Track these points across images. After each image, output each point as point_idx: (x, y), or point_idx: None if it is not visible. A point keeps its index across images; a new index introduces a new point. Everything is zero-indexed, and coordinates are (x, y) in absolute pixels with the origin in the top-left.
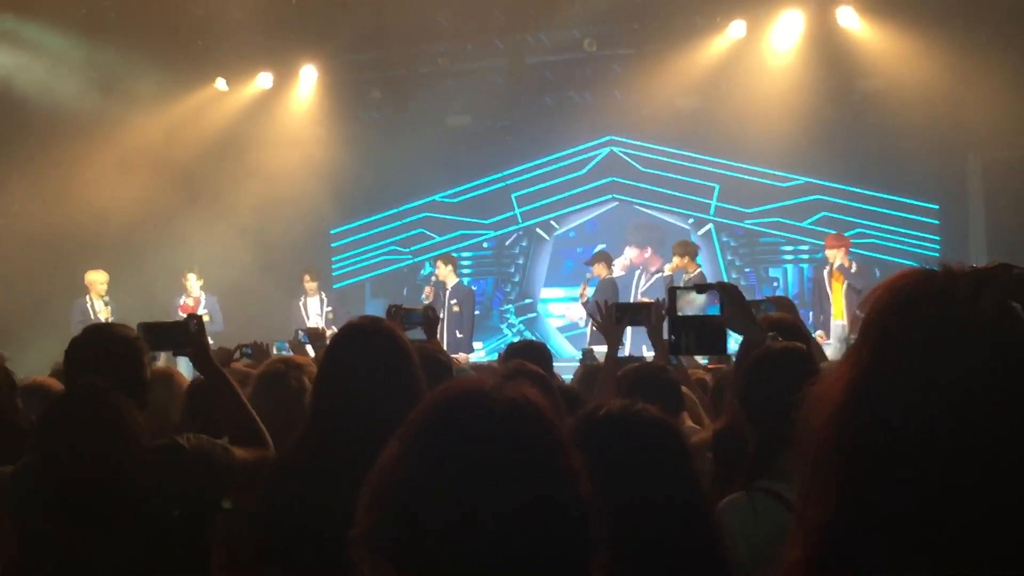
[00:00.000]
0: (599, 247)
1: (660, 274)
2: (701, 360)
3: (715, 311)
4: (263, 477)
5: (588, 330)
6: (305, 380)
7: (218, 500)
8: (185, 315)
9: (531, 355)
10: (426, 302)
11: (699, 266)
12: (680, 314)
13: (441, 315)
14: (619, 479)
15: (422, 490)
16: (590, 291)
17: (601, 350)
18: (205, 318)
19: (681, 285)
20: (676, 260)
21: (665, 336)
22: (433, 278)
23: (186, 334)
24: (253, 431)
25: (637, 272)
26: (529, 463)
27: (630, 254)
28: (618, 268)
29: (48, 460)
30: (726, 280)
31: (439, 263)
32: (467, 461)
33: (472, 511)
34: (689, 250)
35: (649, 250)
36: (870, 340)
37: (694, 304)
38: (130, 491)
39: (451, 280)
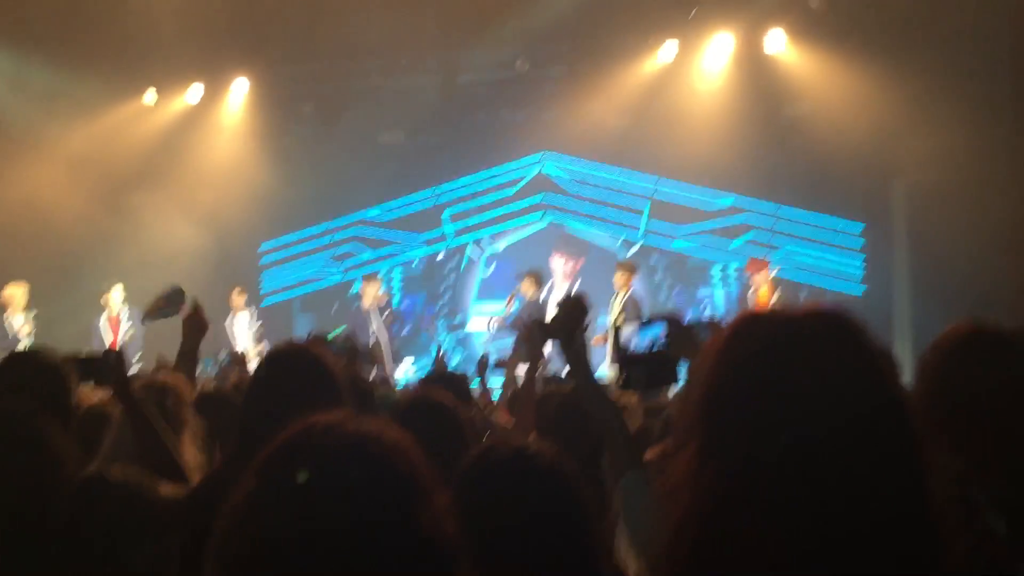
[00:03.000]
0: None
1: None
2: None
3: (652, 334)
4: (184, 506)
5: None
6: (168, 403)
7: (143, 537)
8: (108, 346)
9: (444, 383)
10: None
11: (633, 286)
12: (625, 351)
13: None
14: (505, 527)
15: (261, 540)
16: (515, 305)
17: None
18: (130, 332)
19: (620, 323)
20: (617, 277)
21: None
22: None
23: (105, 368)
24: (172, 466)
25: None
26: (372, 504)
27: (557, 264)
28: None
29: None
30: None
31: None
32: (303, 508)
33: (312, 561)
34: (629, 269)
35: (583, 260)
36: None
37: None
38: (53, 523)
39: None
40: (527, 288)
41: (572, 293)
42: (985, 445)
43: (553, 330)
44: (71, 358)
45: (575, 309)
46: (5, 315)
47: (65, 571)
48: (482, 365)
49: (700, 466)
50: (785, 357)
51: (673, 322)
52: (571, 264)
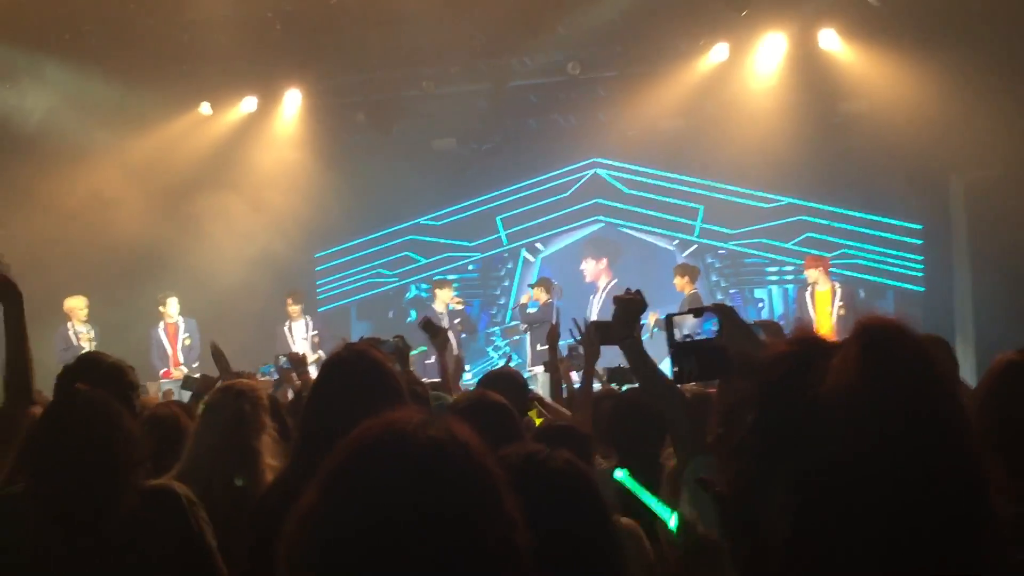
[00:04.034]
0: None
1: (613, 282)
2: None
3: (708, 332)
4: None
5: (528, 349)
6: (246, 408)
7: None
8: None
9: (501, 384)
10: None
11: (696, 289)
12: (679, 340)
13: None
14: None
15: (336, 542)
16: (530, 311)
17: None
18: (186, 342)
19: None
20: (677, 281)
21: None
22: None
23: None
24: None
25: (592, 295)
26: (451, 509)
27: (586, 267)
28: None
29: (42, 463)
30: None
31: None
32: (381, 511)
33: (388, 563)
34: (689, 272)
35: (604, 261)
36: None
37: (690, 327)
38: (119, 520)
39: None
40: (539, 295)
41: (629, 290)
42: None
43: (614, 328)
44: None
45: (633, 304)
46: (67, 325)
47: (120, 568)
48: (553, 336)
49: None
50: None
51: (726, 313)
52: (603, 263)
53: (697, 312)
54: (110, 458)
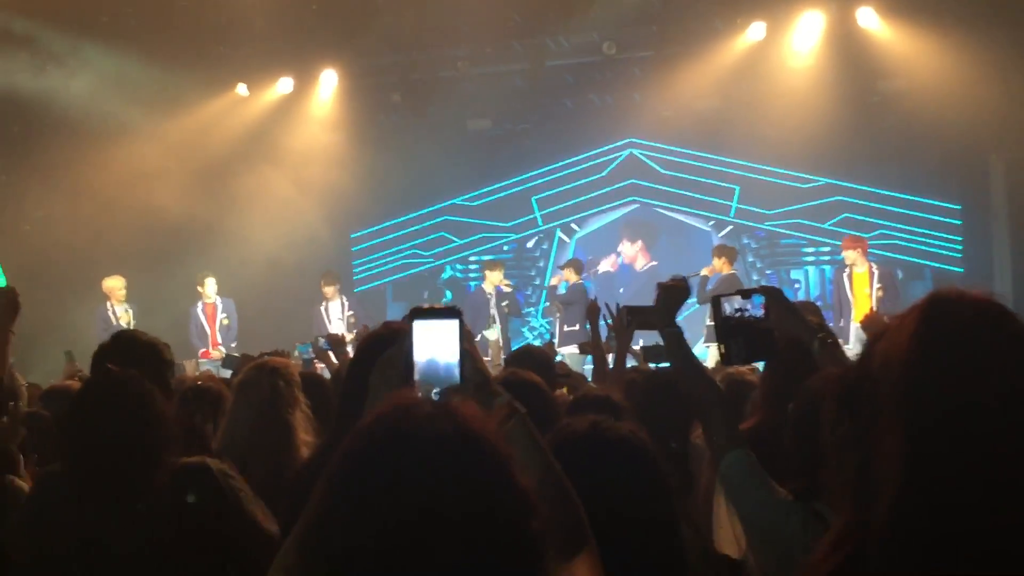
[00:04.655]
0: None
1: (651, 264)
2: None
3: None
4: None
5: (557, 329)
6: (280, 384)
7: (231, 524)
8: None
9: (529, 362)
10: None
11: (735, 271)
12: (728, 316)
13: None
14: (586, 497)
15: (347, 530)
16: (562, 291)
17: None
18: (224, 322)
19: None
20: (715, 262)
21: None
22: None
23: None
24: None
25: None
26: (461, 494)
27: (623, 249)
28: (609, 264)
29: (78, 439)
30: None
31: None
32: (392, 497)
33: (397, 552)
34: (727, 253)
35: (640, 243)
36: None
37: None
38: (156, 502)
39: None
40: (569, 276)
41: (674, 276)
42: None
43: (656, 314)
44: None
45: (677, 292)
46: (106, 305)
47: (156, 542)
48: (593, 312)
49: (904, 445)
50: (984, 340)
51: (774, 295)
52: (639, 244)
53: (745, 293)
54: (141, 438)
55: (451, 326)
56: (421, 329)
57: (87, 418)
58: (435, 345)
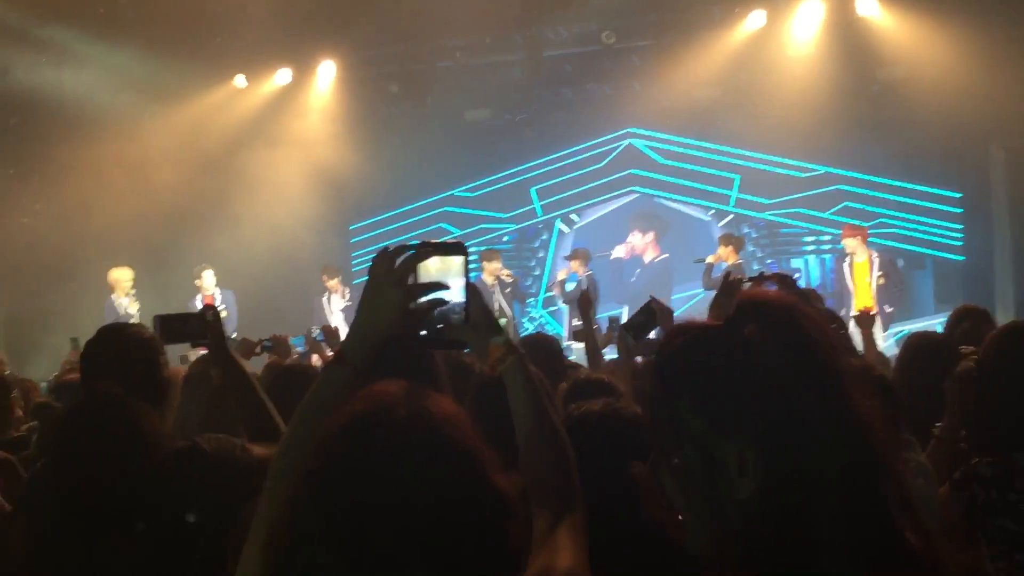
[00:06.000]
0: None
1: (662, 257)
2: None
3: None
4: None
5: (567, 324)
6: None
7: (239, 504)
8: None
9: (536, 351)
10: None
11: (740, 260)
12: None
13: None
14: (596, 477)
15: (318, 538)
16: (570, 286)
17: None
18: (222, 313)
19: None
20: (721, 250)
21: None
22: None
23: (203, 325)
24: (271, 426)
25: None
26: (432, 502)
27: (633, 240)
28: (622, 251)
29: (65, 469)
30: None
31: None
32: (365, 488)
33: (368, 543)
34: (734, 242)
35: (652, 235)
36: None
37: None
38: (148, 498)
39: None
40: (577, 267)
41: (651, 306)
42: None
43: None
44: (161, 316)
45: (648, 316)
46: (112, 297)
47: (161, 542)
48: (585, 303)
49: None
50: None
51: (786, 282)
52: (650, 236)
53: (760, 280)
54: (129, 466)
55: (458, 262)
56: (427, 265)
57: (72, 451)
58: (441, 281)
